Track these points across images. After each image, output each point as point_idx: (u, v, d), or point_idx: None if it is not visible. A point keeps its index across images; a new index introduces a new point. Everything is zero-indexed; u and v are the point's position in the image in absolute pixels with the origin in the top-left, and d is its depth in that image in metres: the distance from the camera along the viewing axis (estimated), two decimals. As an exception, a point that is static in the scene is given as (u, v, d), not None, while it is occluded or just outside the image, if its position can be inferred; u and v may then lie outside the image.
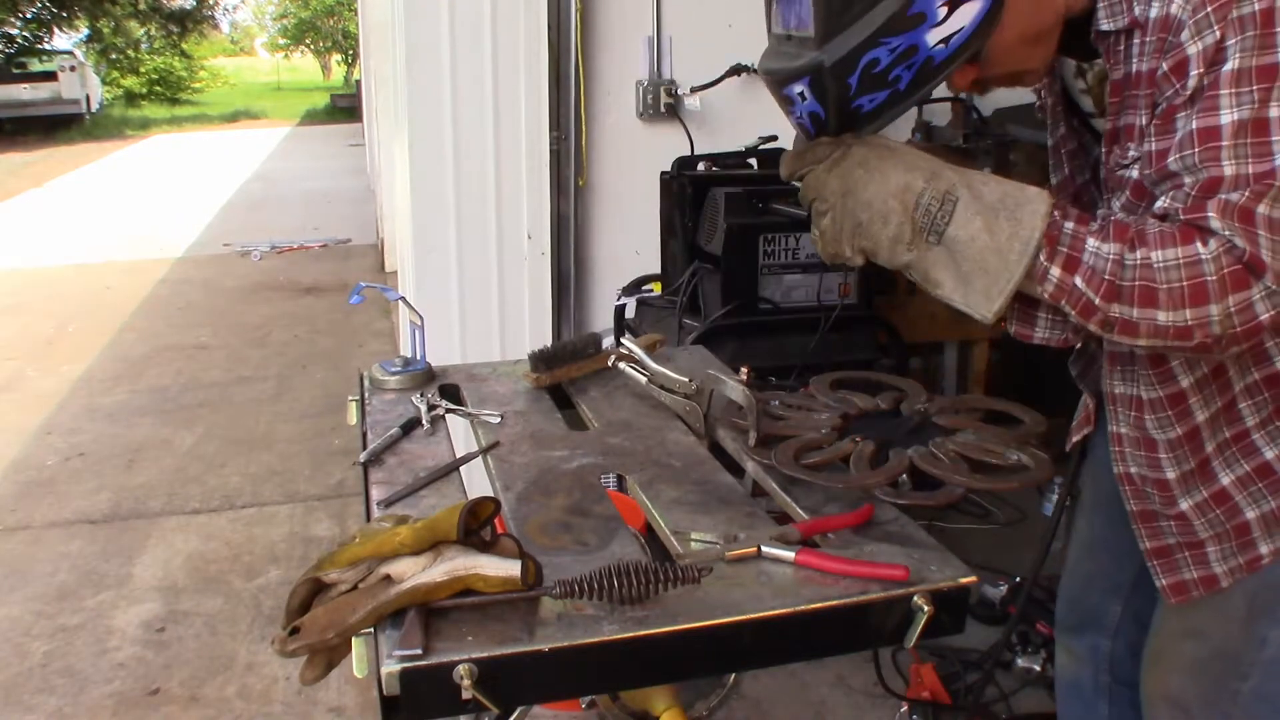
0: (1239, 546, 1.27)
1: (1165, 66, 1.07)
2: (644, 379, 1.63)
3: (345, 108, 22.18)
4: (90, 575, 3.21)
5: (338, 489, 3.82)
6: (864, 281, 2.67)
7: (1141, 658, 1.48)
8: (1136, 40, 1.13)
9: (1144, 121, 1.14)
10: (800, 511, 1.27)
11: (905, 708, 2.32)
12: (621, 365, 1.69)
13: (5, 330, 6.12)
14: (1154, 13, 1.08)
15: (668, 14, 3.03)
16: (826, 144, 1.19)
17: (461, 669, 0.95)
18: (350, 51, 32.16)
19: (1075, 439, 1.59)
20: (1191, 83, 1.05)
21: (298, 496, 3.78)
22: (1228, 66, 1.03)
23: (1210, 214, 1.04)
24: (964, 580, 1.11)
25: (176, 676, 2.67)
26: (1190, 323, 1.05)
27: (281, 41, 44.01)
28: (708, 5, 3.06)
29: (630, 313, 2.90)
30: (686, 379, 1.56)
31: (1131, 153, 1.18)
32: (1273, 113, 1.02)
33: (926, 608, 1.07)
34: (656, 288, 2.92)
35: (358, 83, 17.80)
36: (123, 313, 6.47)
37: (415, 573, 1.03)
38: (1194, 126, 1.05)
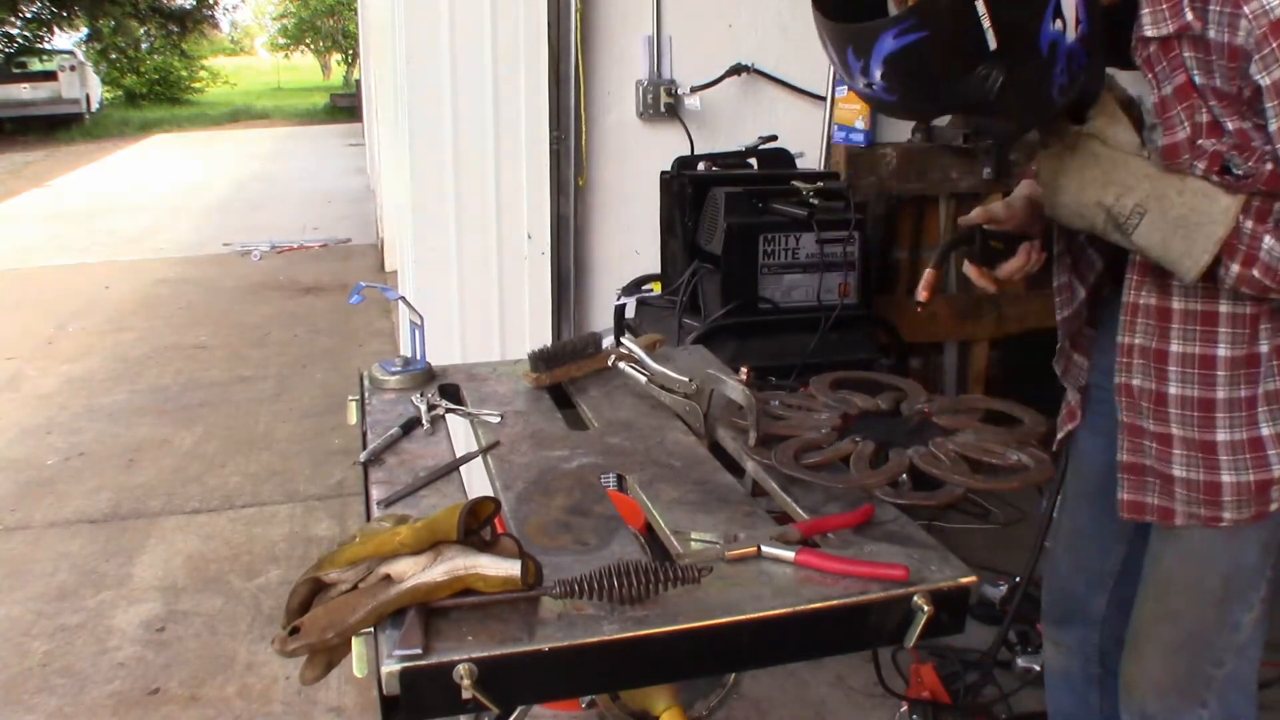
0: (1205, 503, 1.32)
1: (1246, 92, 1.13)
2: (644, 379, 1.64)
3: (345, 108, 22.18)
4: (90, 575, 3.21)
5: (338, 489, 3.82)
6: (864, 281, 2.67)
7: (1124, 641, 1.51)
8: (1187, 54, 1.18)
9: (1226, 117, 1.18)
10: (800, 511, 1.27)
11: (905, 708, 2.32)
12: (621, 365, 1.69)
13: (5, 330, 6.11)
14: (1211, 34, 1.13)
15: (668, 14, 3.02)
16: (1053, 136, 1.30)
17: (461, 669, 0.95)
18: (350, 51, 32.15)
19: (1060, 435, 1.61)
20: (1274, 111, 1.12)
21: (298, 496, 3.78)
22: None
23: None
24: (964, 580, 1.11)
25: (176, 676, 2.67)
26: None
27: (281, 41, 44.00)
28: (708, 5, 3.06)
29: (630, 313, 2.90)
30: (686, 379, 1.56)
31: (1218, 146, 1.20)
32: None
33: (926, 608, 1.07)
34: (656, 288, 2.92)
35: (358, 83, 17.80)
36: (123, 313, 6.47)
37: (415, 573, 1.03)
38: None
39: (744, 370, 1.59)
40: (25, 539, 3.48)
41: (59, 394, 4.96)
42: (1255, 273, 1.19)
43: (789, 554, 1.13)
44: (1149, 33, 1.20)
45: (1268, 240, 1.18)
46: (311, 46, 41.72)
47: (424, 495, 1.32)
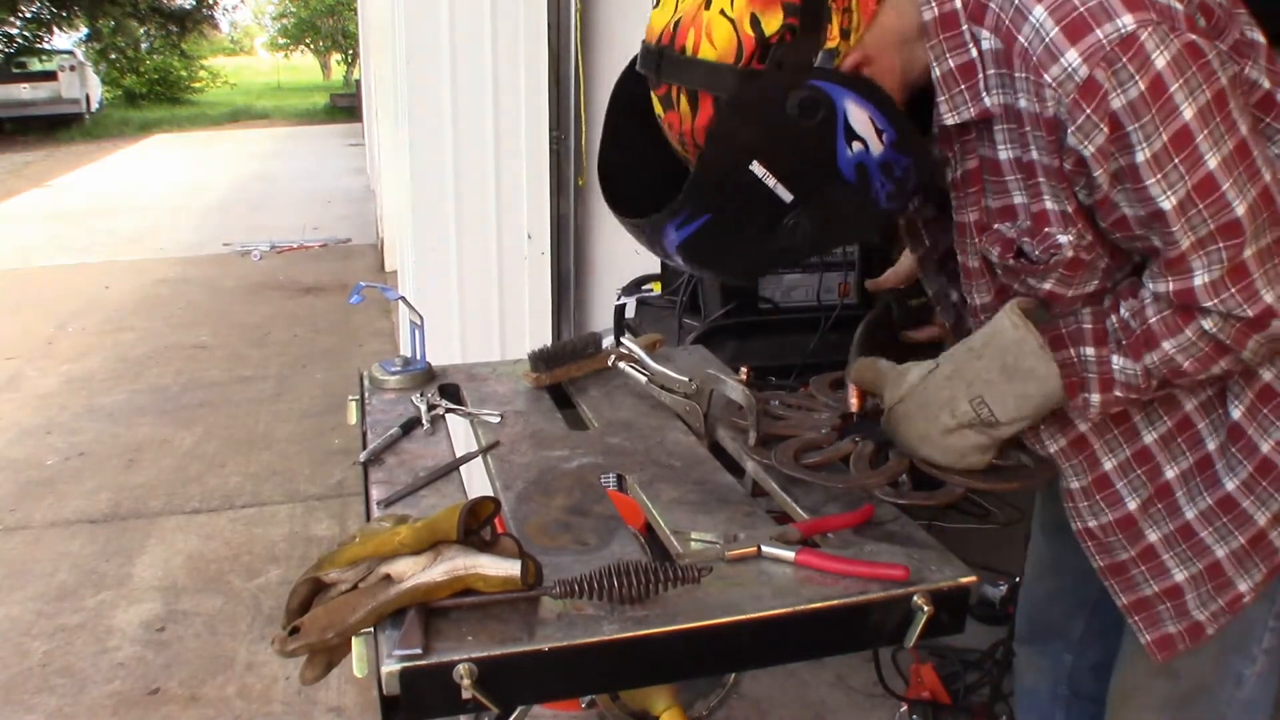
0: (1216, 589, 1.23)
1: (1068, 165, 1.05)
2: (644, 379, 1.64)
3: (345, 107, 22.17)
4: (90, 575, 3.21)
5: (338, 489, 3.82)
6: (864, 281, 2.67)
7: (1108, 692, 1.44)
8: (998, 128, 1.10)
9: (1025, 199, 1.12)
10: (800, 511, 1.27)
11: (905, 708, 2.32)
12: (621, 365, 1.69)
13: (5, 330, 6.11)
14: (1022, 104, 1.05)
15: (668, 14, 3.02)
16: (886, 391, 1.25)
17: (461, 669, 0.95)
18: (350, 51, 32.16)
19: None
20: (1102, 179, 1.03)
21: (298, 496, 3.78)
22: (1140, 157, 0.99)
23: (1199, 298, 1.04)
24: (964, 580, 1.11)
25: (176, 676, 2.67)
26: (1226, 368, 1.10)
27: (281, 41, 44.00)
28: (708, 5, 3.05)
29: (630, 313, 2.90)
30: (686, 379, 1.56)
31: (1010, 231, 1.15)
32: (1211, 164, 0.99)
33: (926, 608, 1.07)
34: (656, 287, 2.91)
35: (358, 83, 17.79)
36: (123, 313, 6.47)
37: (415, 572, 1.03)
38: (1141, 213, 1.04)
39: (744, 370, 1.59)
40: (25, 539, 3.48)
41: (59, 394, 4.96)
42: (1117, 393, 1.14)
43: (789, 554, 1.13)
44: (948, 121, 1.11)
45: (1117, 360, 1.12)
46: (311, 46, 41.72)
47: (424, 495, 1.32)
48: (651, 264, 2.96)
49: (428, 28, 2.79)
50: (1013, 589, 2.69)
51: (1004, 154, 1.11)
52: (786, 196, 1.07)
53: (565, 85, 2.93)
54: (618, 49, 3.01)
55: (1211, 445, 1.19)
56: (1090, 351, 1.15)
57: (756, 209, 1.08)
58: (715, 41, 1.05)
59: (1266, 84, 1.10)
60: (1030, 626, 1.71)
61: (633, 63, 1.21)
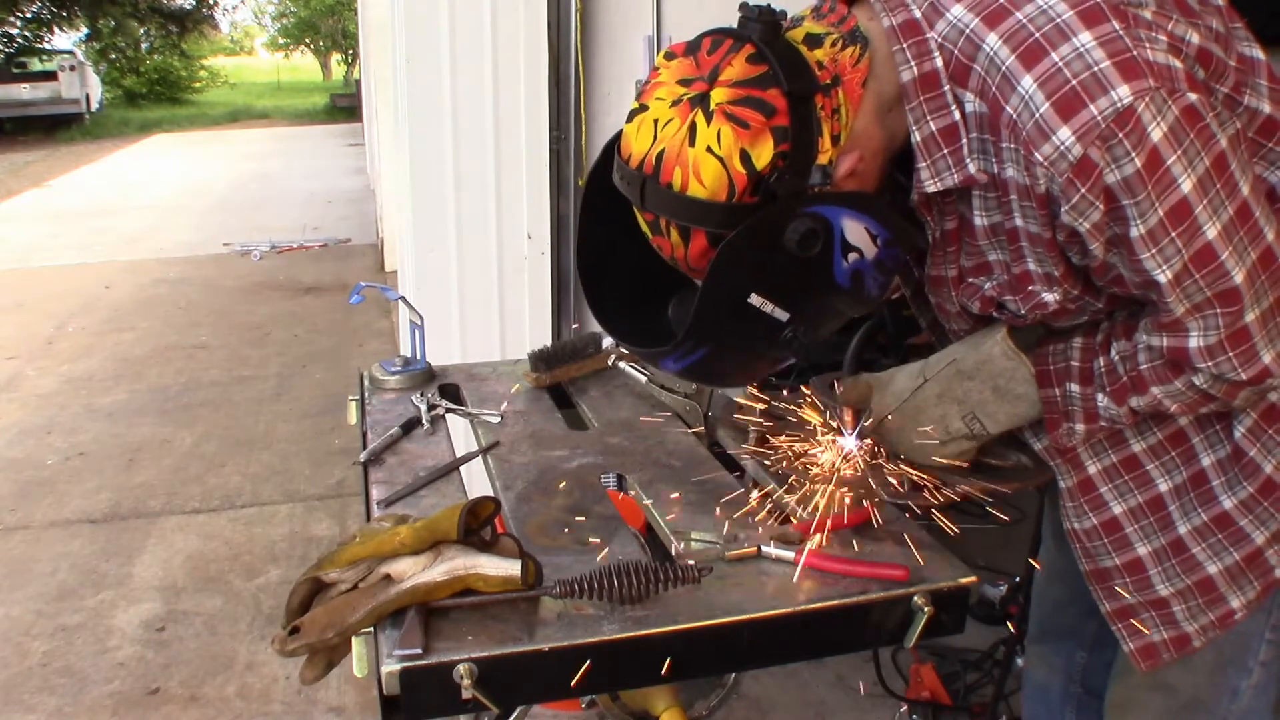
0: (1207, 604, 1.21)
1: (1061, 236, 1.03)
2: (644, 379, 1.64)
3: (345, 107, 22.18)
4: (90, 575, 3.21)
5: (338, 489, 3.82)
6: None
7: (1105, 705, 1.43)
8: (976, 194, 1.08)
9: (1004, 258, 1.11)
10: (800, 511, 1.27)
11: (905, 708, 2.32)
12: (621, 365, 1.69)
13: (5, 330, 6.11)
14: (1009, 174, 1.02)
15: (668, 14, 3.02)
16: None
17: (461, 668, 0.95)
18: (350, 51, 32.17)
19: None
20: (1098, 250, 1.01)
21: (298, 496, 3.78)
22: (1135, 232, 0.97)
23: (1192, 360, 1.03)
24: (964, 580, 1.11)
25: (176, 676, 2.67)
26: (1213, 409, 1.11)
27: (281, 41, 44.02)
28: (707, 5, 3.04)
29: (630, 313, 2.90)
30: (686, 379, 1.56)
31: (990, 288, 1.14)
32: (1210, 234, 0.97)
33: (926, 608, 1.07)
34: (656, 288, 2.91)
35: (357, 83, 17.79)
36: (123, 313, 6.47)
37: (415, 572, 1.03)
38: (1137, 280, 1.02)
39: (744, 370, 1.59)
40: (25, 539, 3.48)
41: (59, 394, 4.96)
42: (1101, 424, 1.15)
43: (789, 554, 1.13)
44: (930, 188, 1.08)
45: (1102, 399, 1.12)
46: (311, 46, 41.74)
47: (424, 495, 1.32)
48: (651, 264, 2.96)
49: (428, 28, 2.79)
50: (1013, 589, 2.69)
51: (979, 220, 1.09)
52: (783, 316, 1.07)
53: (565, 85, 2.93)
54: (618, 49, 3.01)
55: (1206, 461, 1.18)
56: (1075, 389, 1.15)
57: (755, 333, 1.08)
58: (705, 180, 1.00)
59: (1267, 108, 1.08)
60: (1042, 629, 1.71)
61: (602, 157, 1.17)
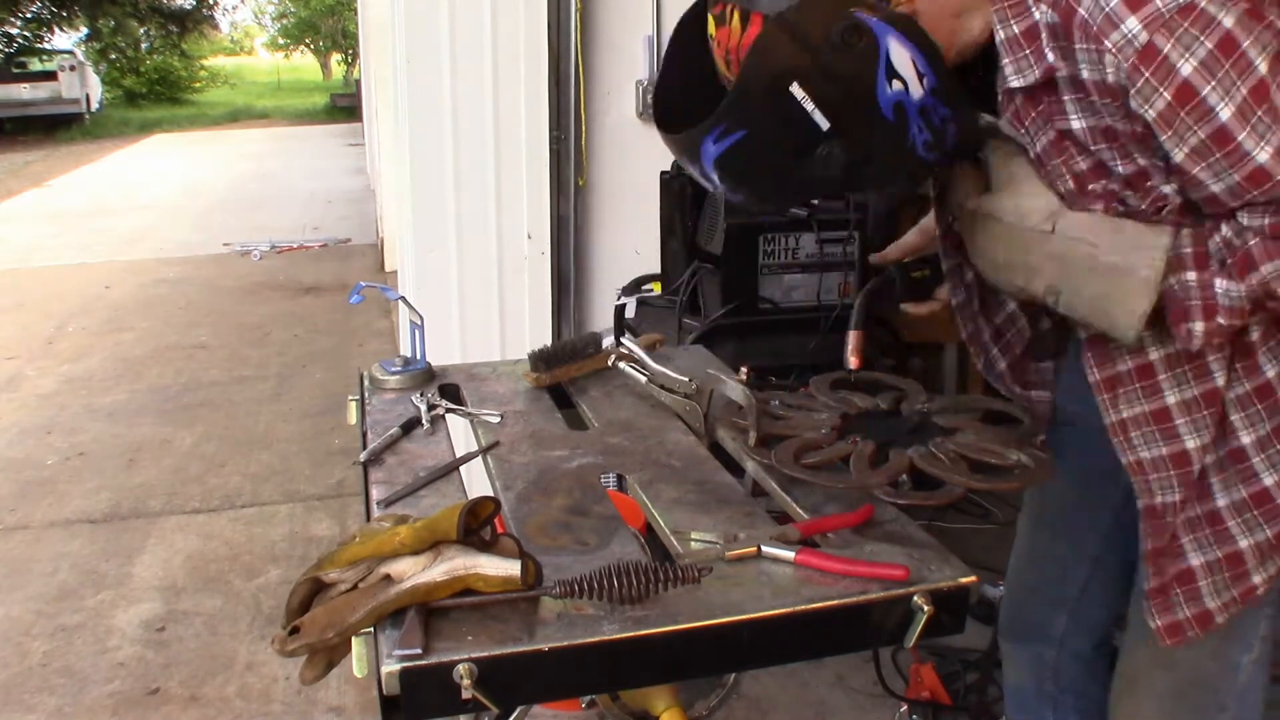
0: (1232, 579, 1.22)
1: (1138, 128, 1.06)
2: (644, 379, 1.63)
3: (345, 107, 22.17)
4: (90, 575, 3.21)
5: (338, 489, 3.82)
6: (865, 281, 2.67)
7: (1113, 679, 1.44)
8: (1068, 98, 1.11)
9: (1114, 158, 1.12)
10: (800, 511, 1.27)
11: (905, 708, 2.32)
12: (621, 365, 1.69)
13: (5, 330, 6.11)
14: (1085, 74, 1.06)
15: (668, 14, 3.02)
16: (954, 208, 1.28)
17: (461, 669, 0.95)
18: (350, 51, 32.16)
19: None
20: (1170, 143, 1.04)
21: (298, 496, 3.78)
22: (1225, 114, 1.00)
23: (1273, 174, 1.02)
24: (964, 580, 1.11)
25: (176, 676, 2.67)
26: None
27: (281, 41, 44.02)
28: (708, 5, 3.05)
29: (630, 313, 2.90)
30: (686, 379, 1.56)
31: (1110, 186, 1.14)
32: (1262, 69, 0.99)
33: (926, 608, 1.07)
34: (656, 288, 2.92)
35: (357, 82, 17.79)
36: (123, 313, 6.47)
37: (415, 572, 1.03)
38: (1202, 137, 1.02)
39: (744, 370, 1.59)
40: (25, 539, 3.48)
41: (59, 394, 4.96)
42: (1221, 320, 1.10)
43: (789, 554, 1.13)
44: (1014, 84, 1.13)
45: (1220, 284, 1.09)
46: (311, 46, 41.73)
47: (424, 495, 1.32)
48: (651, 264, 2.96)
49: (428, 28, 2.79)
50: (1013, 589, 2.69)
51: (1077, 124, 1.12)
52: (823, 124, 1.08)
53: (565, 85, 2.93)
54: (618, 49, 3.01)
55: (1247, 439, 1.18)
56: (1193, 277, 1.11)
57: (793, 131, 1.09)
58: None
59: None
60: (1011, 622, 1.71)
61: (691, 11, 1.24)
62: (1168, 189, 1.11)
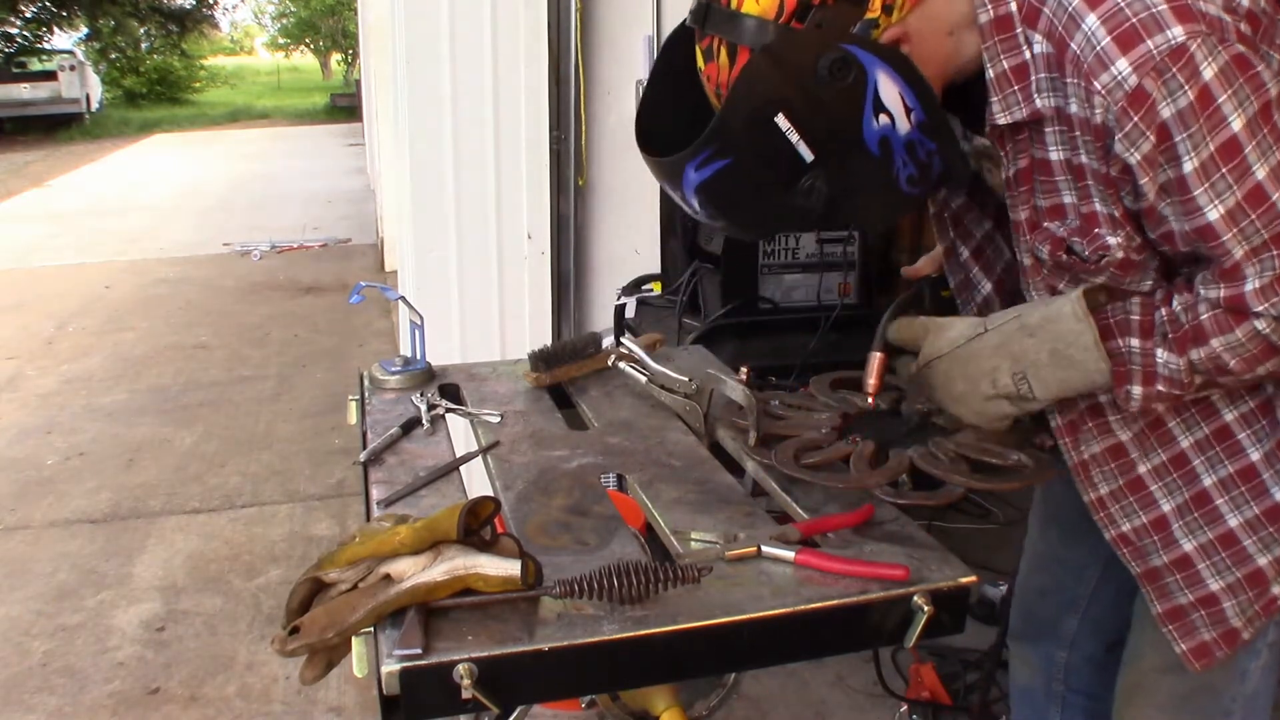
0: (1255, 596, 1.21)
1: (1114, 171, 1.06)
2: (644, 379, 1.63)
3: (345, 107, 22.17)
4: (90, 575, 3.21)
5: (338, 489, 3.82)
6: (864, 281, 2.67)
7: (1116, 689, 1.44)
8: (1049, 129, 1.11)
9: (1075, 199, 1.13)
10: (800, 511, 1.27)
11: (905, 708, 2.32)
12: (621, 365, 1.68)
13: (5, 330, 6.11)
14: (1073, 109, 1.06)
15: (668, 14, 3.02)
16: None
17: (461, 668, 0.95)
18: (350, 51, 32.16)
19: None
20: (1149, 188, 1.04)
21: (298, 496, 3.78)
22: (1188, 167, 1.01)
23: (1250, 304, 1.04)
24: (964, 580, 1.11)
25: (176, 676, 2.67)
26: (1271, 369, 1.09)
27: (281, 41, 44.03)
28: (708, 5, 3.05)
29: (630, 312, 2.90)
30: (686, 379, 1.56)
31: (1060, 230, 1.15)
32: (1260, 174, 1.00)
33: (926, 608, 1.07)
34: (656, 287, 2.92)
35: (357, 82, 17.79)
36: (123, 313, 6.47)
37: (415, 572, 1.03)
38: (1186, 228, 1.04)
39: (744, 370, 1.59)
40: (25, 539, 3.48)
41: (59, 394, 4.96)
42: (1159, 388, 1.13)
43: (789, 554, 1.13)
44: (1001, 120, 1.13)
45: (1161, 354, 1.12)
46: (311, 46, 41.73)
47: (424, 495, 1.32)
48: (651, 264, 2.96)
49: (428, 28, 2.79)
50: (1013, 589, 2.69)
51: (1055, 155, 1.12)
52: (808, 156, 1.09)
53: (565, 85, 2.93)
54: (618, 49, 3.01)
55: (1255, 455, 1.18)
56: (1136, 343, 1.14)
57: (777, 162, 1.09)
58: None
59: None
60: (1022, 623, 1.71)
61: (671, 37, 1.25)
62: (1112, 240, 1.11)
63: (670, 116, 1.24)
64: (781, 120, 1.07)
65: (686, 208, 1.19)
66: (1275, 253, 1.02)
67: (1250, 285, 1.03)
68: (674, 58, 1.24)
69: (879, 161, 1.11)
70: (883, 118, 1.08)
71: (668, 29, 3.01)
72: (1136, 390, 1.15)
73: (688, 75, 1.20)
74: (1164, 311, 1.13)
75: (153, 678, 2.67)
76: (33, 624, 2.93)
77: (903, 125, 1.09)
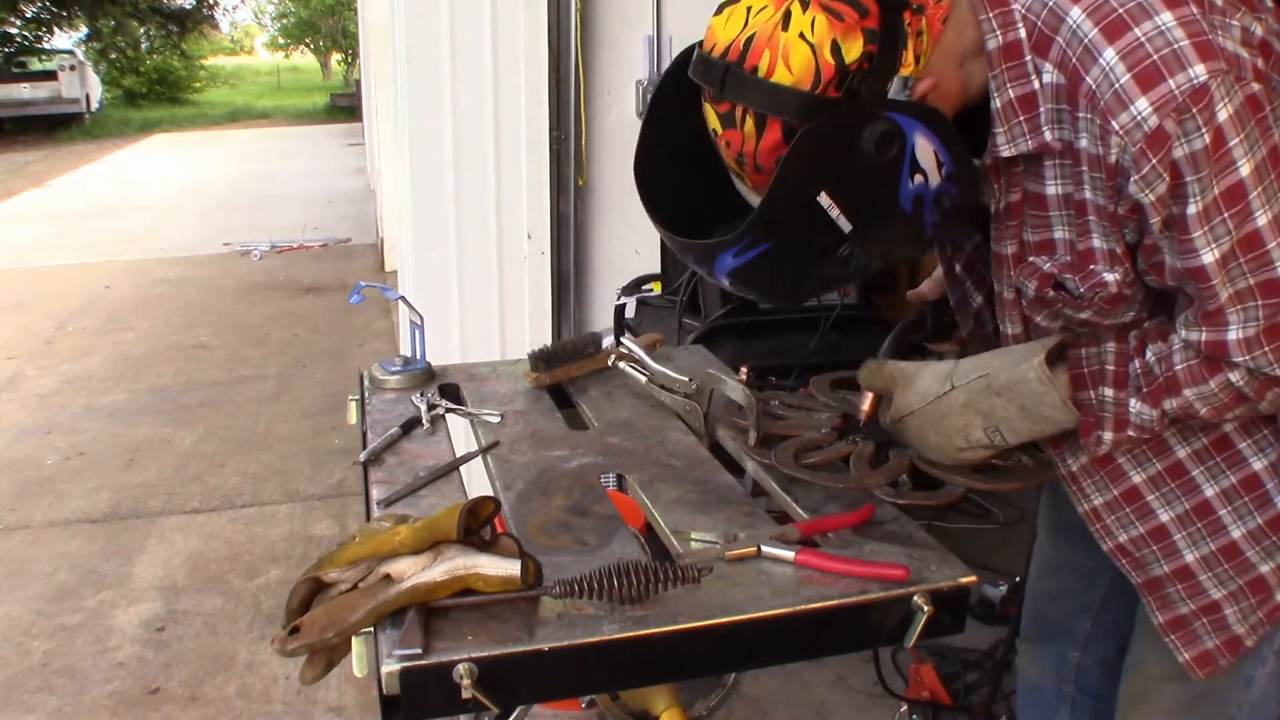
0: (1258, 603, 1.21)
1: (1122, 210, 1.04)
2: (644, 379, 1.63)
3: (345, 107, 22.16)
4: (90, 575, 3.21)
5: (338, 489, 3.82)
6: (866, 281, 2.67)
7: (1119, 696, 1.43)
8: (1049, 163, 1.09)
9: (1069, 235, 1.11)
10: (800, 511, 1.27)
11: (905, 708, 2.32)
12: (621, 365, 1.68)
13: (5, 330, 6.11)
14: (1083, 144, 1.03)
15: (668, 14, 3.02)
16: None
17: (461, 668, 0.95)
18: (350, 51, 32.15)
19: None
20: (1156, 225, 1.02)
21: (298, 496, 3.78)
22: (1191, 209, 0.99)
23: (1231, 353, 1.03)
24: (964, 580, 1.11)
25: (176, 676, 2.67)
26: (1239, 414, 1.10)
27: (281, 41, 44.01)
28: (708, 5, 3.04)
29: (630, 312, 2.90)
30: (686, 379, 1.56)
31: (1049, 265, 1.14)
32: (1260, 221, 0.99)
33: (926, 608, 1.07)
34: (656, 287, 2.91)
35: (357, 82, 17.79)
36: (123, 313, 6.47)
37: (415, 572, 1.03)
38: (1179, 265, 1.03)
39: (744, 370, 1.59)
40: (25, 539, 3.48)
41: (59, 394, 4.96)
42: (1130, 433, 1.14)
43: (789, 554, 1.13)
44: (1005, 153, 1.10)
45: (1134, 405, 1.12)
46: (311, 46, 41.72)
47: (424, 495, 1.32)
48: (651, 264, 2.96)
49: (428, 28, 2.79)
50: (1013, 589, 2.69)
51: (1051, 190, 1.10)
52: (846, 227, 1.06)
53: (565, 85, 2.93)
54: (618, 49, 3.01)
55: (1258, 465, 1.17)
56: (1110, 393, 1.15)
57: (816, 239, 1.07)
58: (793, 66, 1.01)
59: None
60: (1034, 626, 1.71)
61: (676, 64, 1.19)
62: (1110, 276, 1.09)
63: (678, 177, 1.22)
64: (823, 198, 1.04)
65: (712, 280, 1.17)
66: (1260, 301, 1.01)
67: (1234, 335, 1.03)
68: (668, 109, 1.19)
69: (911, 218, 1.09)
70: (918, 177, 1.06)
71: (668, 29, 3.03)
72: (1108, 436, 1.16)
73: (689, 131, 1.14)
74: (1138, 363, 1.12)
75: (153, 678, 2.67)
76: (33, 624, 2.93)
77: (934, 180, 1.07)
